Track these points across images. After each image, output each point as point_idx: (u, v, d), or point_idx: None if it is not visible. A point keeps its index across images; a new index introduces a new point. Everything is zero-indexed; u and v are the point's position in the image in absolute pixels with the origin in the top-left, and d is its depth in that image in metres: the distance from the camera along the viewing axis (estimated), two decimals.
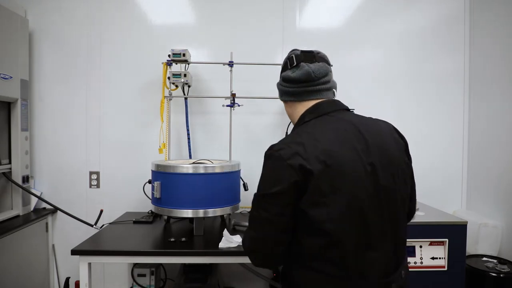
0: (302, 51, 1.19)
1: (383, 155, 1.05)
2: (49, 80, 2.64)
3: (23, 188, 2.39)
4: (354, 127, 1.07)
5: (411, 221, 1.88)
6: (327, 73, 1.17)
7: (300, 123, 1.16)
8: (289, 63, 1.18)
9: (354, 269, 1.01)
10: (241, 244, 1.79)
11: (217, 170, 1.98)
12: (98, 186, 2.66)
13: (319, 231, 1.00)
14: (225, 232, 1.85)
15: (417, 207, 2.21)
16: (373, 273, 1.02)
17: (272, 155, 1.06)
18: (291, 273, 1.11)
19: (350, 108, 1.44)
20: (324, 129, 1.07)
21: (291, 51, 1.22)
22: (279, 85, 1.25)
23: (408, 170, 1.16)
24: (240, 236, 1.87)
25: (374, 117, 1.21)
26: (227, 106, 2.41)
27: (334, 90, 1.21)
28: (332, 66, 1.24)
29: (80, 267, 1.74)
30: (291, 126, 2.59)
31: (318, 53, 1.19)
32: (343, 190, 0.99)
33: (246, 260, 1.83)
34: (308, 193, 0.99)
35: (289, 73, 1.18)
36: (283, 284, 1.18)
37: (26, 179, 2.45)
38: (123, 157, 2.65)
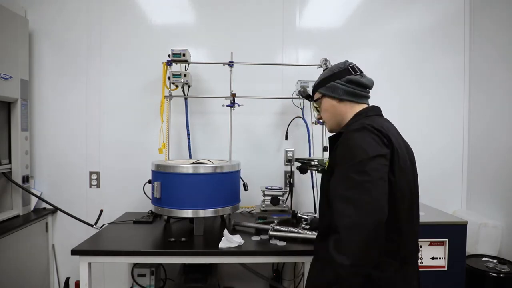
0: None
1: (412, 159, 1.31)
2: (49, 80, 2.64)
3: (23, 188, 2.39)
4: (395, 128, 1.32)
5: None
6: None
7: (362, 117, 1.32)
8: (352, 70, 1.36)
9: (404, 236, 1.22)
10: (241, 244, 1.80)
11: (217, 170, 1.98)
12: (98, 186, 2.66)
13: (395, 197, 1.16)
14: (225, 232, 1.85)
15: None
16: (411, 248, 1.27)
17: (366, 128, 1.19)
18: None
19: None
20: (384, 123, 1.28)
21: (345, 61, 1.40)
22: (340, 85, 1.36)
23: None
24: (240, 236, 1.87)
25: None
26: (227, 106, 2.41)
27: None
28: None
29: (80, 267, 1.74)
30: (291, 126, 2.60)
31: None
32: (405, 171, 1.21)
33: (246, 260, 1.83)
34: (392, 163, 1.16)
35: (358, 77, 1.35)
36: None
37: (26, 179, 2.45)
38: (123, 157, 2.65)
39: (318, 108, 1.46)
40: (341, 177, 1.14)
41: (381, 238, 1.07)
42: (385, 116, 1.40)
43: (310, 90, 1.58)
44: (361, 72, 1.38)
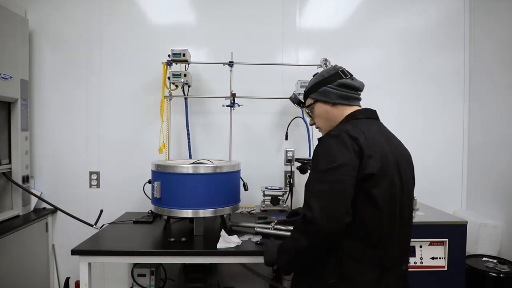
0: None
1: (403, 163, 1.29)
2: (49, 80, 2.64)
3: (23, 188, 2.39)
4: (385, 132, 1.33)
5: (412, 220, 1.93)
6: None
7: (351, 119, 1.34)
8: (343, 74, 1.38)
9: (383, 242, 1.24)
10: (239, 244, 1.80)
11: (217, 170, 1.98)
12: (98, 186, 2.66)
13: (369, 203, 1.22)
14: (223, 232, 1.85)
15: (417, 207, 2.23)
16: (393, 255, 1.27)
17: (340, 135, 1.22)
18: None
19: None
20: (370, 127, 1.30)
21: (335, 66, 1.44)
22: (332, 89, 1.37)
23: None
24: (238, 236, 1.86)
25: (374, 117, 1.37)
26: (227, 106, 2.41)
27: None
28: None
29: (80, 267, 1.73)
30: (291, 126, 2.60)
31: None
32: (384, 178, 1.19)
33: (245, 260, 1.83)
34: (364, 170, 1.19)
35: (349, 81, 1.37)
36: None
37: (26, 179, 2.45)
38: (123, 157, 2.65)
39: (310, 114, 1.46)
40: (308, 180, 1.23)
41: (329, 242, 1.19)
42: (384, 115, 1.40)
43: (301, 97, 1.58)
44: (351, 75, 1.40)
